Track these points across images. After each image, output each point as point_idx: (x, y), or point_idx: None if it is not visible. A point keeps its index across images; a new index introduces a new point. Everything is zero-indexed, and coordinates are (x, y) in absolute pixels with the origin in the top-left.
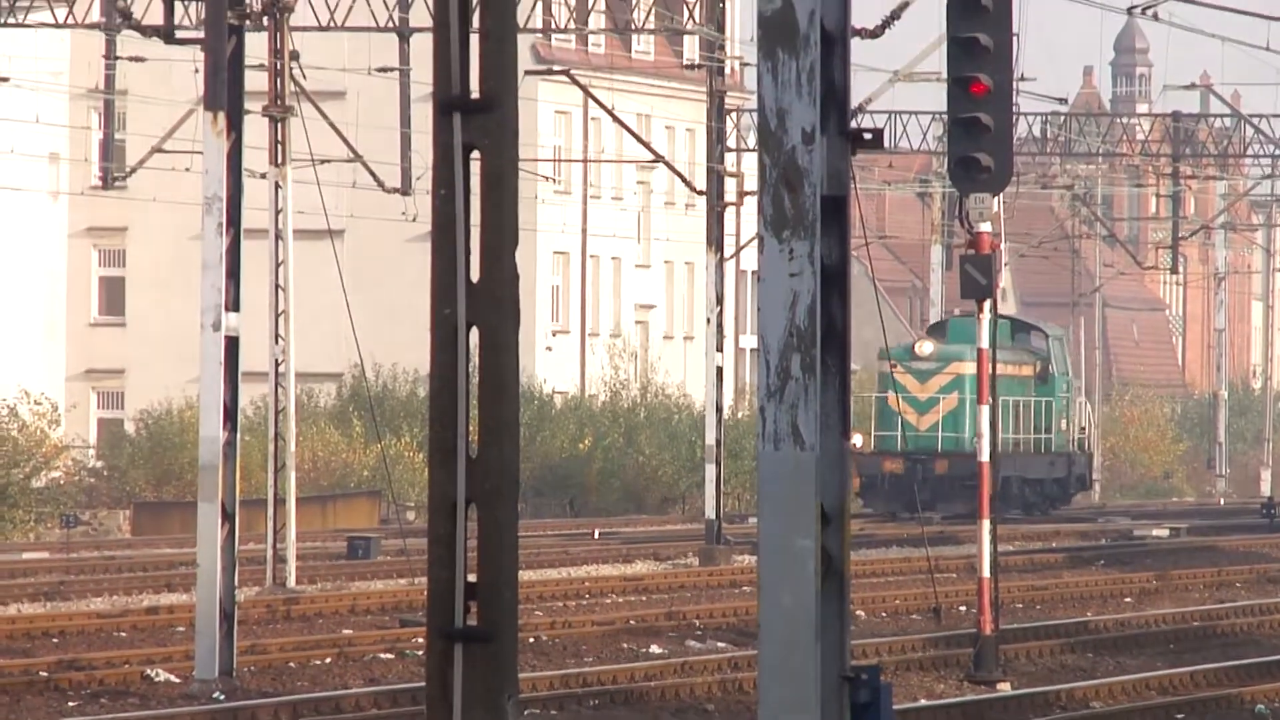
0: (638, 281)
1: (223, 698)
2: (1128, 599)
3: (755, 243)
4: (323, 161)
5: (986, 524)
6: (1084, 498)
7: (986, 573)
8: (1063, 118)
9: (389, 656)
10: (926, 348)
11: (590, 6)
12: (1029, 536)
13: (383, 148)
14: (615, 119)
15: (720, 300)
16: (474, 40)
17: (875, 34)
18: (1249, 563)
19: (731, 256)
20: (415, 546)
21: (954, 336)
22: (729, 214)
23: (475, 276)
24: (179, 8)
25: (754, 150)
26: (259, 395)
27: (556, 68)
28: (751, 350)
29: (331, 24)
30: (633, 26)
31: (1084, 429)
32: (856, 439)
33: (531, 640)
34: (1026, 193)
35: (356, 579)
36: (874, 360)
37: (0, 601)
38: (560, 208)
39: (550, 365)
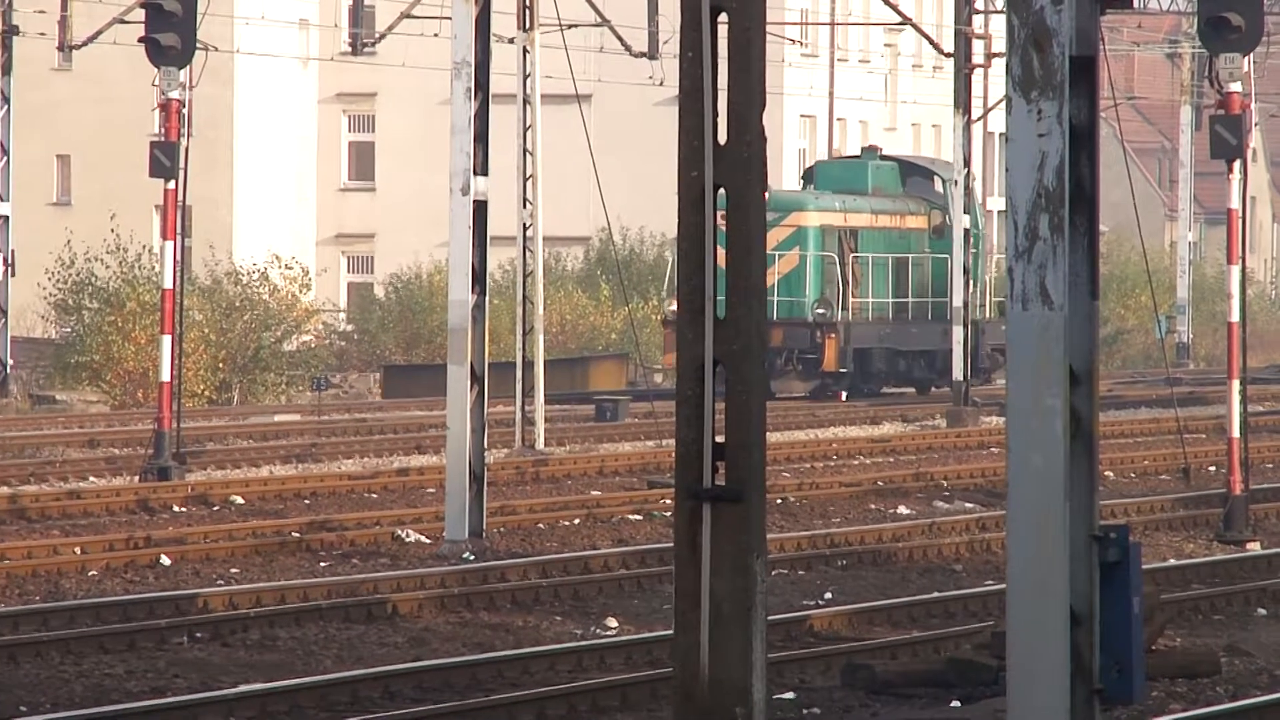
0: (885, 144)
1: (472, 558)
2: None
3: (1003, 104)
4: (570, 26)
5: (1236, 384)
6: None
7: (1236, 432)
8: None
9: (637, 518)
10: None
11: None
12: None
13: (630, 11)
14: None
15: (967, 162)
16: None
17: None
18: None
19: (979, 119)
20: (663, 409)
21: (822, 183)
22: (976, 76)
23: (722, 139)
24: None
25: (1002, 11)
26: (507, 259)
27: None
28: (999, 212)
29: None
30: None
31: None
32: (673, 306)
33: (779, 501)
34: (1278, 52)
35: (604, 441)
36: None
37: (253, 463)
38: (807, 71)
39: None
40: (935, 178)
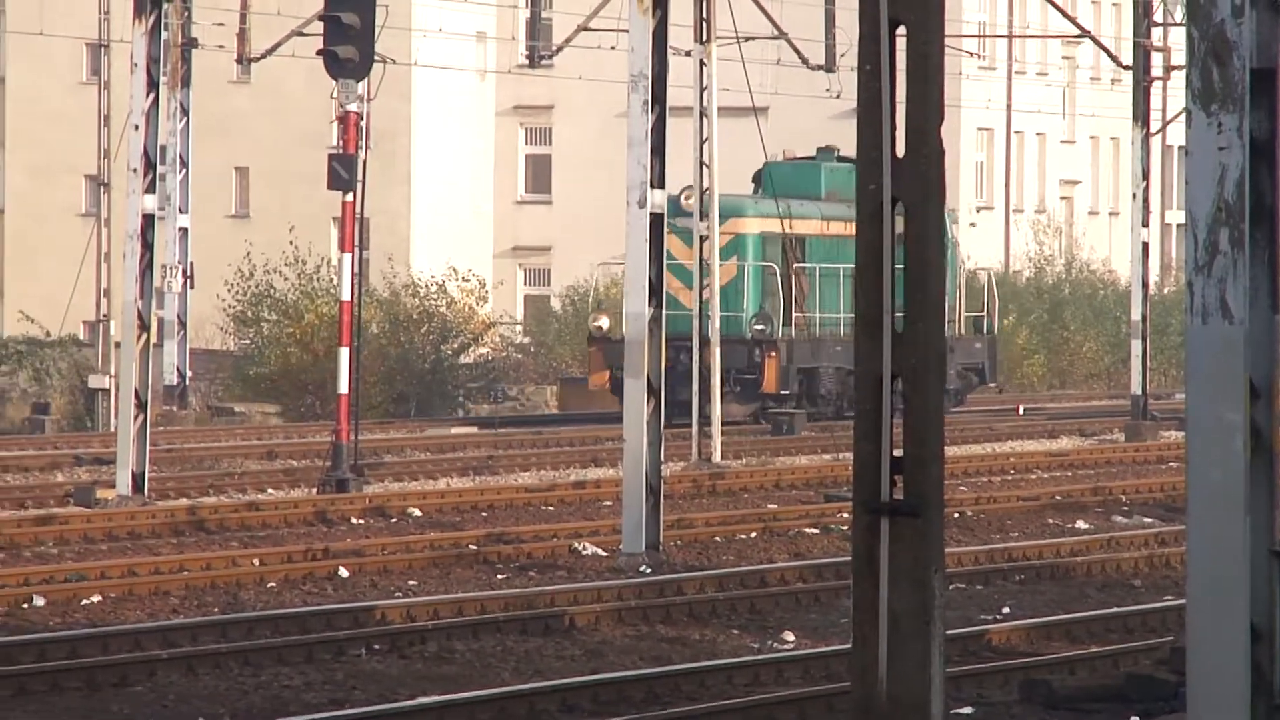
0: (1062, 157)
1: (649, 571)
2: None
3: (1182, 117)
4: (747, 38)
5: None
6: None
7: None
8: None
9: (813, 531)
10: (694, 200)
11: None
12: None
13: (807, 24)
14: None
15: (1146, 175)
16: None
17: None
18: None
19: (1158, 132)
20: (838, 422)
21: (777, 187)
22: (1155, 88)
23: (900, 153)
24: None
25: (1182, 24)
26: None
27: None
28: (1177, 225)
29: None
30: None
31: (979, 308)
32: (603, 321)
33: (956, 516)
34: None
35: (780, 454)
36: None
37: (430, 475)
38: (985, 83)
39: (974, 241)
40: None
